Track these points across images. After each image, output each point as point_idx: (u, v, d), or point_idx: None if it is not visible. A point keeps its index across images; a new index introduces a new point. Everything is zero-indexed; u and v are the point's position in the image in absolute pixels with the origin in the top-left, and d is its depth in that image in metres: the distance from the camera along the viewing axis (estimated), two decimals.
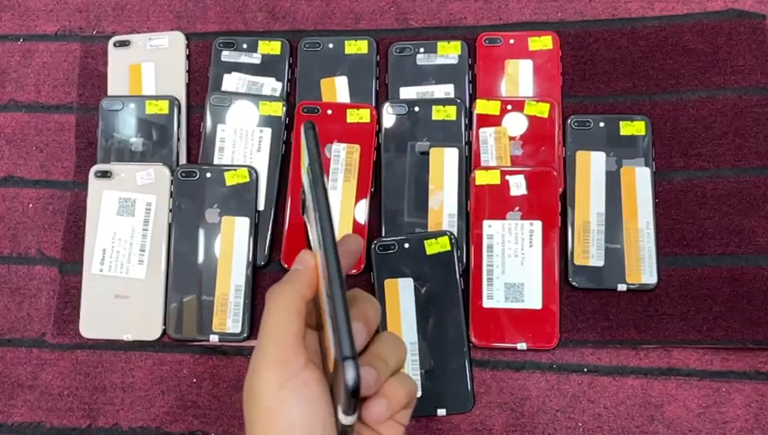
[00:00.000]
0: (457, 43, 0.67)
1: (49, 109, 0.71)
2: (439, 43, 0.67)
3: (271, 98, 0.67)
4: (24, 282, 0.67)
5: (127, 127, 0.67)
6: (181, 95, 0.68)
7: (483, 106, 0.65)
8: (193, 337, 0.63)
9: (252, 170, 0.64)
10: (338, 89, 0.67)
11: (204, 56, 0.70)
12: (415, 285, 0.61)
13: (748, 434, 0.59)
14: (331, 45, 0.68)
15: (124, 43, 0.70)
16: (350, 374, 0.27)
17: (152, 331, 0.63)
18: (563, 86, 0.66)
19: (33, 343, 0.65)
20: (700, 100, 0.65)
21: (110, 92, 0.69)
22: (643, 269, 0.61)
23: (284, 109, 0.66)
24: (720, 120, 0.65)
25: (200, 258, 0.63)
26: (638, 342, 0.61)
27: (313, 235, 0.32)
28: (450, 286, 0.61)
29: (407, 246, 0.62)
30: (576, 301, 0.62)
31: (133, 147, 0.67)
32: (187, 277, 0.63)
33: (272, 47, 0.69)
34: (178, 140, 0.67)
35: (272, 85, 0.68)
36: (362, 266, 0.63)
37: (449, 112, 0.65)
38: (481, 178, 0.63)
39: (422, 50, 0.67)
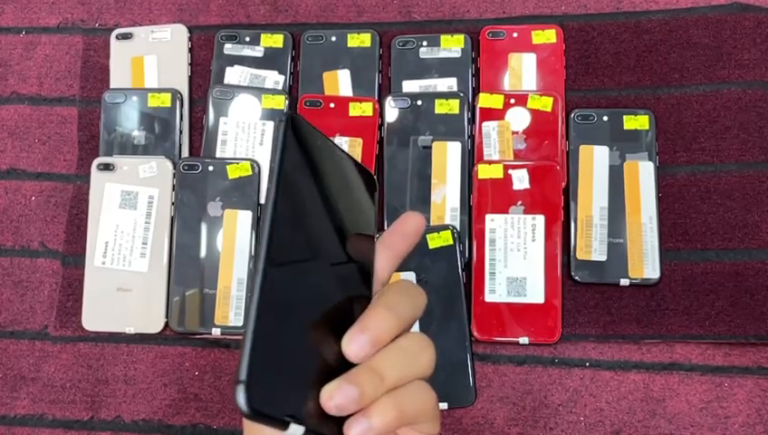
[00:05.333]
0: (461, 37, 0.67)
1: (51, 101, 0.71)
2: (442, 37, 0.67)
3: (273, 91, 0.66)
4: (27, 274, 0.67)
5: (129, 120, 0.67)
6: (184, 88, 0.68)
7: (486, 100, 0.64)
8: (195, 330, 0.63)
9: (254, 164, 0.64)
10: (340, 82, 0.67)
11: (206, 49, 0.70)
12: (417, 279, 0.61)
13: (750, 429, 0.59)
14: (333, 38, 0.68)
15: (126, 36, 0.70)
16: (237, 400, 0.25)
17: (154, 324, 0.63)
18: (567, 80, 0.66)
19: (35, 335, 0.65)
20: (704, 94, 0.65)
21: (112, 85, 0.69)
22: (646, 264, 0.61)
23: (287, 102, 0.66)
24: (724, 114, 0.64)
25: (202, 251, 0.63)
26: (641, 336, 0.60)
27: None
28: (452, 280, 0.61)
29: None
30: (578, 295, 0.62)
31: (135, 140, 0.67)
32: (189, 270, 0.63)
33: (274, 40, 0.68)
34: (181, 133, 0.67)
35: (274, 78, 0.68)
36: None
37: (452, 106, 0.64)
38: (484, 172, 0.62)
39: (425, 43, 0.67)
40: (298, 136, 0.30)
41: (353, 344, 0.29)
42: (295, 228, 0.29)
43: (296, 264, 0.29)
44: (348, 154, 0.33)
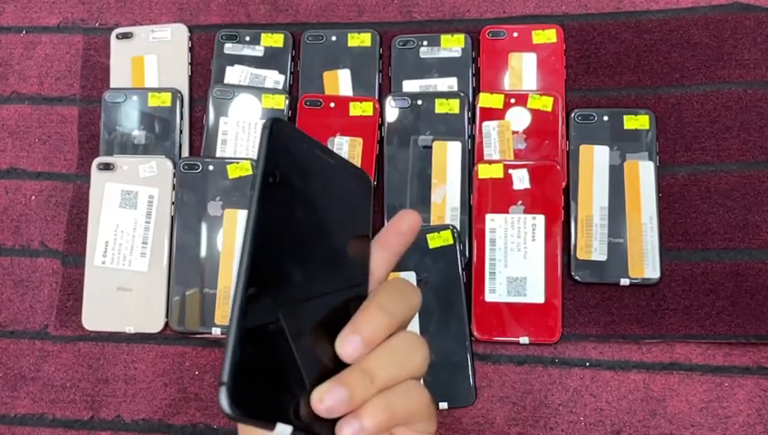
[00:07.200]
0: (461, 36, 0.67)
1: (51, 101, 0.71)
2: (443, 36, 0.67)
3: (273, 91, 0.66)
4: (27, 274, 0.67)
5: (129, 119, 0.67)
6: (184, 88, 0.68)
7: (486, 99, 0.64)
8: (195, 330, 0.63)
9: (254, 163, 0.64)
10: (341, 82, 0.67)
11: (206, 49, 0.70)
12: (417, 279, 0.61)
13: (750, 429, 0.59)
14: (333, 38, 0.68)
15: (127, 36, 0.70)
16: (220, 401, 0.25)
17: (154, 323, 0.63)
18: (567, 80, 0.66)
19: (35, 334, 0.66)
20: (705, 94, 0.65)
21: (112, 85, 0.69)
22: (646, 264, 0.61)
23: (287, 102, 0.66)
24: (725, 114, 0.64)
25: (202, 251, 0.63)
26: (641, 336, 0.60)
27: None
28: (452, 280, 0.61)
29: None
30: (579, 295, 0.62)
31: (136, 139, 0.67)
32: (189, 270, 0.63)
33: (274, 40, 0.68)
34: (181, 132, 0.67)
35: (274, 78, 0.68)
36: None
37: (452, 106, 0.64)
38: (484, 171, 0.62)
39: (425, 43, 0.67)
40: (282, 141, 0.29)
41: (347, 345, 0.29)
42: (280, 233, 0.29)
43: (282, 266, 0.29)
44: (338, 155, 0.33)
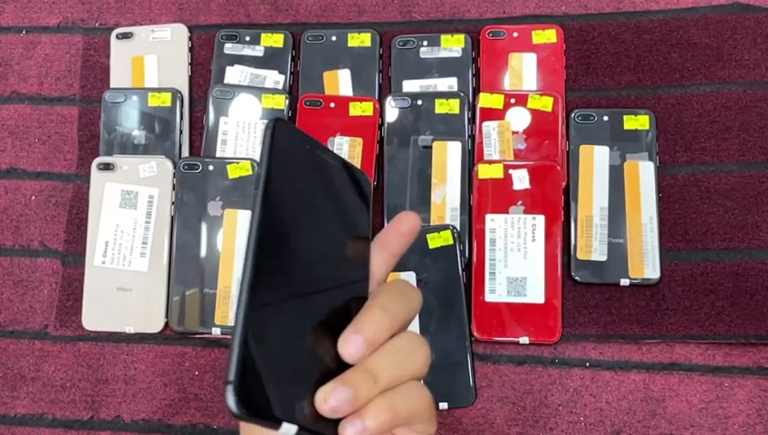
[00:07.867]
0: (461, 37, 0.67)
1: (51, 101, 0.71)
2: (443, 37, 0.67)
3: (273, 91, 0.66)
4: (27, 274, 0.67)
5: (129, 119, 0.67)
6: (184, 88, 0.68)
7: (486, 100, 0.64)
8: (195, 330, 0.63)
9: (254, 163, 0.64)
10: (341, 82, 0.67)
11: (206, 49, 0.70)
12: (417, 279, 0.61)
13: (750, 429, 0.59)
14: (333, 38, 0.68)
15: (127, 36, 0.70)
16: (226, 400, 0.26)
17: (154, 323, 0.63)
18: (567, 80, 0.66)
19: (35, 334, 0.66)
20: (705, 94, 0.65)
21: (112, 85, 0.69)
22: (646, 264, 0.61)
23: (287, 102, 0.66)
24: (725, 114, 0.64)
25: (203, 251, 0.63)
26: (641, 336, 0.60)
27: None
28: (452, 280, 0.61)
29: None
30: (579, 295, 0.62)
31: (136, 139, 0.67)
32: (189, 270, 0.63)
33: (274, 40, 0.68)
34: (181, 132, 0.67)
35: (274, 78, 0.68)
36: None
37: (452, 106, 0.64)
38: (484, 171, 0.62)
39: (425, 43, 0.67)
40: (284, 141, 0.30)
41: (349, 346, 0.29)
42: (283, 233, 0.29)
43: (285, 266, 0.29)
44: (339, 156, 0.33)
